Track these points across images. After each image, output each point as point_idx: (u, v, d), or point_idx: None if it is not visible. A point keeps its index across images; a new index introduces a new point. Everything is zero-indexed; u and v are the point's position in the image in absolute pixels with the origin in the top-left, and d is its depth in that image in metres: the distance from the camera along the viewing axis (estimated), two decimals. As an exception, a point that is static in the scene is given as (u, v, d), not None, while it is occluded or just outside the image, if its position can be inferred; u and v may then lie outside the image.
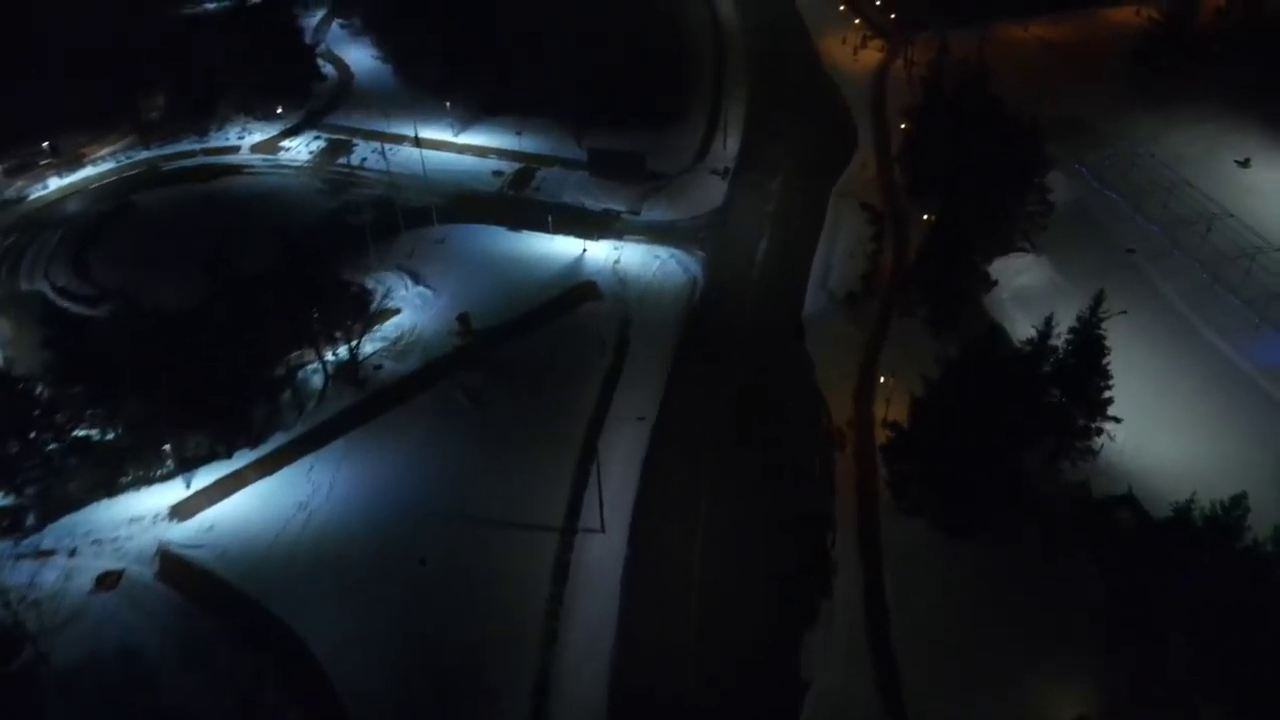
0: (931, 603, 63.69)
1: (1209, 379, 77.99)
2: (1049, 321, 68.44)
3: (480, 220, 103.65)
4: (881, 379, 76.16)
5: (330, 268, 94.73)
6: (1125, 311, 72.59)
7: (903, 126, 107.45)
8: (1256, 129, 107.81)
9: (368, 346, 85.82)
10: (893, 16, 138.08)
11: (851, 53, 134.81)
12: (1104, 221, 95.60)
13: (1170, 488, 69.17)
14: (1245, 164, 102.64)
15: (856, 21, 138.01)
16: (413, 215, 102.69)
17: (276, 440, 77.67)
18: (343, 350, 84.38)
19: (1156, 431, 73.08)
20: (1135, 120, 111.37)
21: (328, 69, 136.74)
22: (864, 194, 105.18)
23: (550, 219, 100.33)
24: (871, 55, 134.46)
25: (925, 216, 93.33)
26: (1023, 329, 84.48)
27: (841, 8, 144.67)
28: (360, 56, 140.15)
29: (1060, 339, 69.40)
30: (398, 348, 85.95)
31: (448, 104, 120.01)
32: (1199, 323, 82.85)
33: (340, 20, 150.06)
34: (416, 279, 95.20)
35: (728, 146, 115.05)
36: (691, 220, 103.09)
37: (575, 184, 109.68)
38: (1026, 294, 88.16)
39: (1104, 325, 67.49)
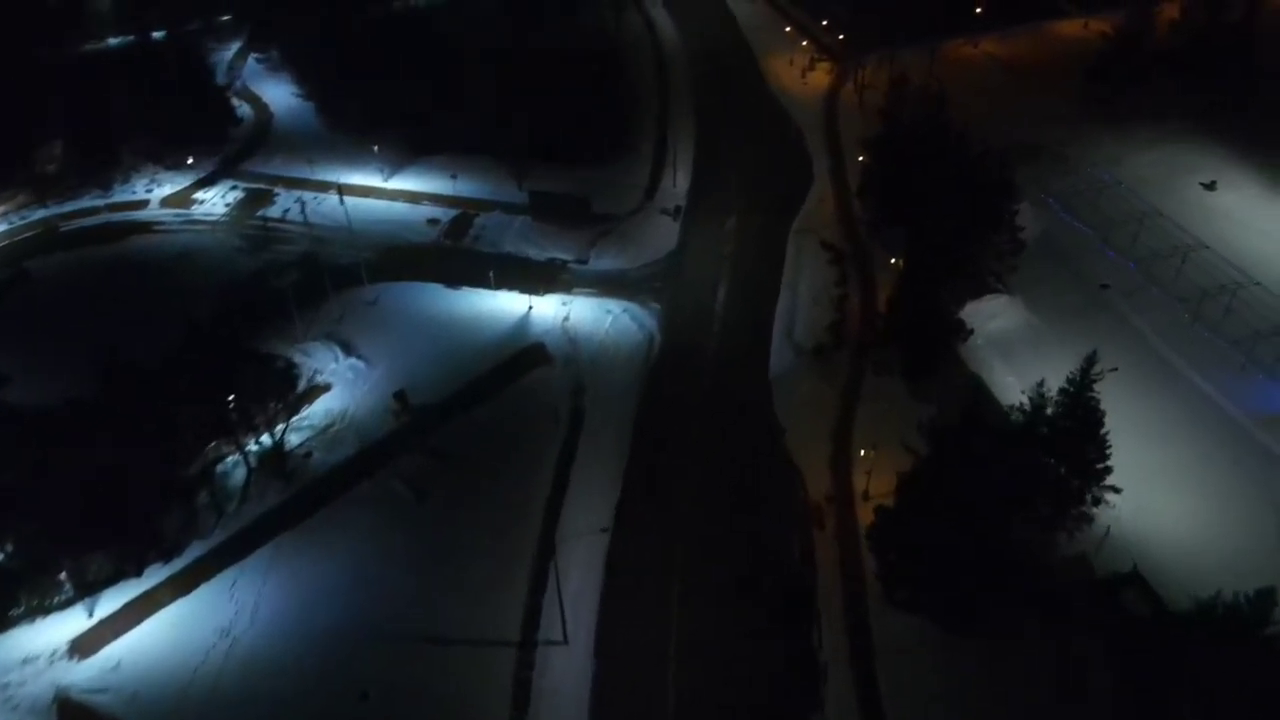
0: (931, 706, 58.06)
1: (1199, 428, 73.77)
2: (1040, 389, 63.41)
3: (416, 276, 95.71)
4: (862, 452, 70.33)
5: (250, 341, 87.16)
6: (1115, 369, 67.84)
7: (860, 159, 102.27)
8: (1217, 148, 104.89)
9: (295, 434, 77.58)
10: (840, 38, 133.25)
11: (800, 75, 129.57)
12: (1075, 256, 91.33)
13: (1174, 557, 65.04)
14: (1211, 186, 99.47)
15: (804, 44, 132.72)
16: (341, 274, 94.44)
17: (193, 552, 69.20)
18: (267, 438, 76.05)
19: (1151, 490, 68.46)
20: (1096, 142, 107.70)
21: (244, 109, 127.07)
22: (824, 231, 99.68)
23: (492, 274, 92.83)
24: (820, 77, 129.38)
25: (893, 260, 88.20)
26: (1002, 379, 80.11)
27: (788, 29, 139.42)
28: (279, 94, 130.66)
29: (1048, 397, 64.51)
30: (329, 433, 77.82)
31: (375, 148, 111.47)
32: (1183, 365, 78.73)
33: (256, 54, 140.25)
34: (348, 349, 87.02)
35: (677, 182, 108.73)
36: (644, 268, 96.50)
37: (517, 230, 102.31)
38: (1002, 339, 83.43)
39: (1097, 387, 62.60)
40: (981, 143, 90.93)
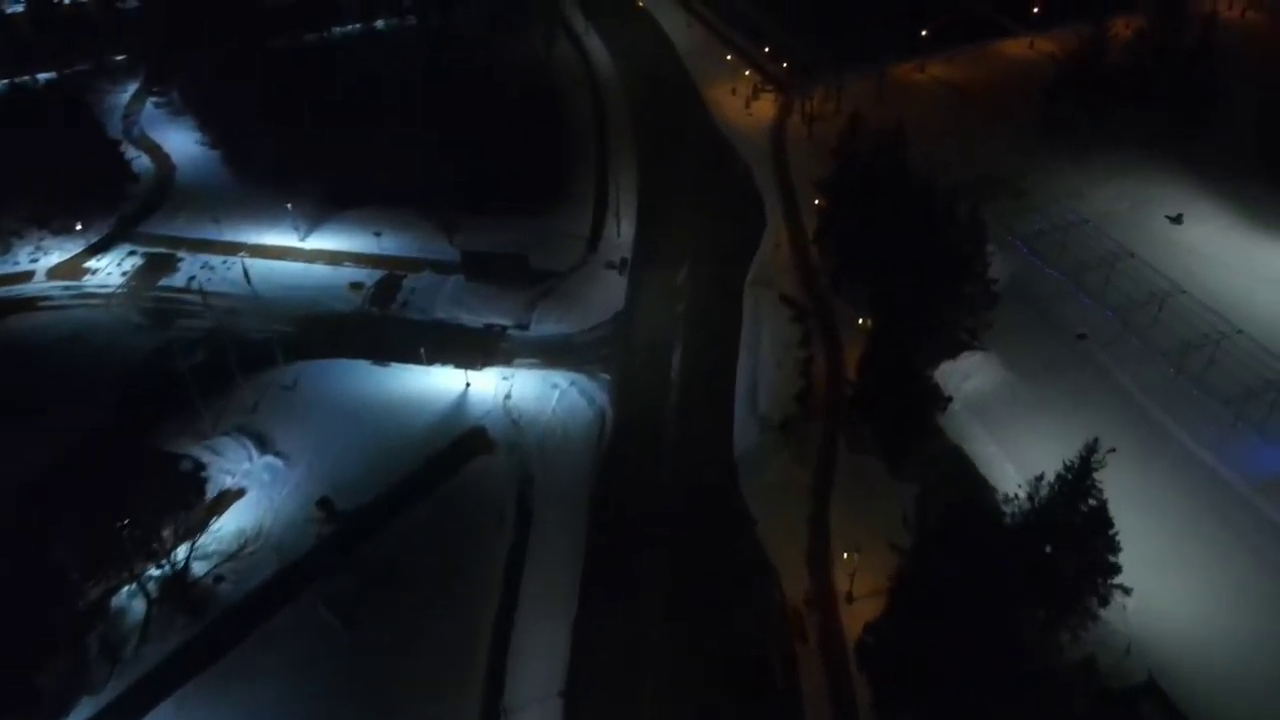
0: None
1: (1197, 497, 68.87)
2: (1038, 484, 57.47)
3: (339, 352, 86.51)
4: (845, 554, 63.62)
5: (152, 437, 77.51)
6: (1114, 450, 62.28)
7: (816, 202, 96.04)
8: (1180, 177, 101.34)
9: (201, 561, 67.94)
10: (785, 65, 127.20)
11: (744, 105, 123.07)
12: (1048, 303, 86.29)
13: (1187, 657, 59.77)
14: (1178, 220, 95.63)
15: (747, 72, 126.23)
16: (255, 352, 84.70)
17: (82, 712, 59.44)
18: (170, 563, 66.45)
19: (1151, 573, 62.99)
20: (1056, 172, 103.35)
21: (142, 161, 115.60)
22: (782, 282, 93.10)
23: (423, 350, 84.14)
24: (765, 107, 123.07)
25: (860, 320, 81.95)
26: (984, 449, 74.29)
27: (729, 56, 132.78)
28: (182, 142, 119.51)
29: (1043, 485, 58.74)
30: (243, 554, 68.39)
31: (289, 204, 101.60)
32: (1172, 426, 73.95)
33: (155, 97, 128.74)
34: (263, 444, 77.58)
35: (621, 230, 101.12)
36: (591, 331, 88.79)
37: (450, 293, 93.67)
38: (980, 402, 77.69)
39: (1100, 479, 56.86)
40: (942, 179, 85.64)
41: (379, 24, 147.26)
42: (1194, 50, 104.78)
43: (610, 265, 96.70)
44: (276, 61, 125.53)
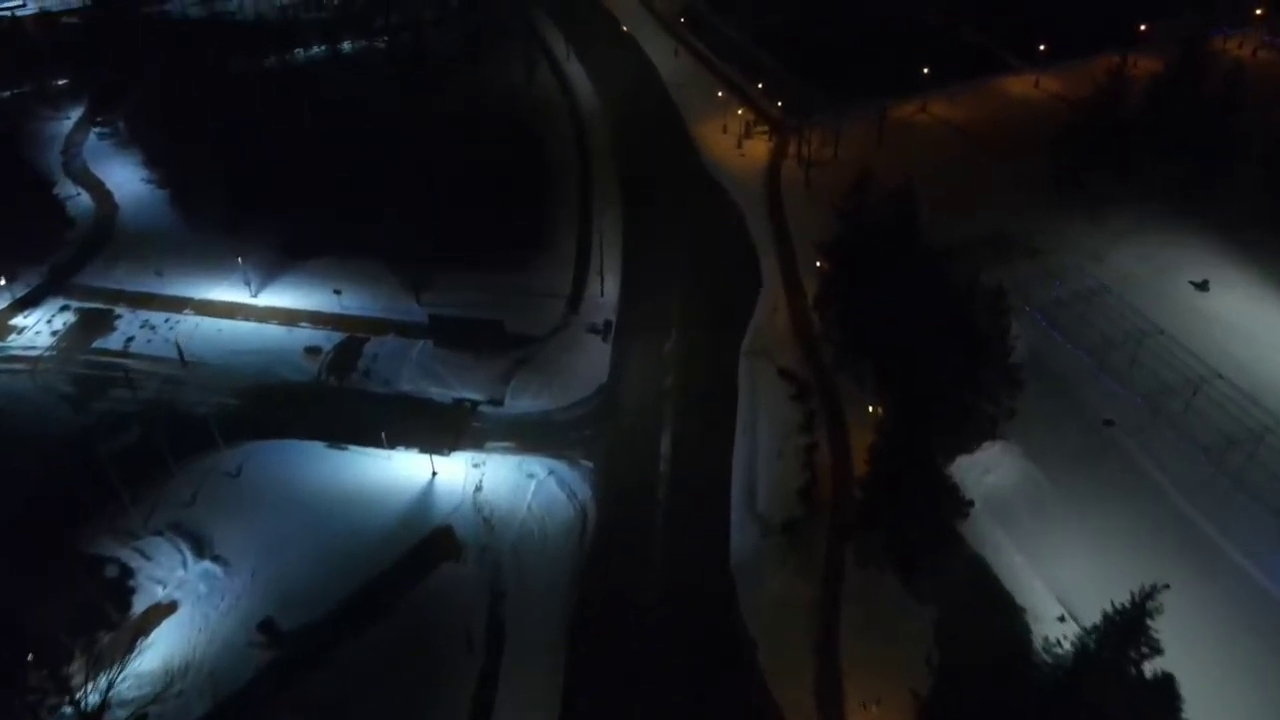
0: None
1: (1249, 616, 61.97)
2: (1086, 636, 50.17)
3: (290, 431, 77.80)
4: (863, 706, 55.98)
5: (71, 536, 68.57)
6: (1168, 586, 55.12)
7: (819, 265, 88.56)
8: (1203, 238, 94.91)
9: (125, 684, 59.18)
10: (779, 104, 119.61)
11: (735, 144, 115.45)
12: (1070, 383, 79.30)
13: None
14: (1203, 286, 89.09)
15: (740, 111, 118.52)
16: (196, 431, 75.72)
17: None
18: (87, 693, 57.59)
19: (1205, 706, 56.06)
20: (1072, 230, 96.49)
21: (82, 198, 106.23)
22: (780, 352, 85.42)
23: (384, 434, 75.63)
24: (758, 147, 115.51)
25: (870, 407, 74.51)
26: (1009, 559, 66.85)
27: (720, 93, 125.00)
28: (127, 178, 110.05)
29: (1087, 628, 51.59)
30: (172, 691, 59.55)
31: (240, 259, 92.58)
32: (1214, 532, 66.96)
33: (99, 127, 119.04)
34: (200, 546, 68.70)
35: (605, 288, 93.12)
36: (572, 408, 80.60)
37: (417, 361, 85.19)
38: (1002, 501, 70.30)
39: (1158, 632, 49.64)
40: (950, 237, 78.77)
41: (345, 46, 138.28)
42: (1221, 98, 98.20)
43: (593, 329, 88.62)
44: (234, 89, 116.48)
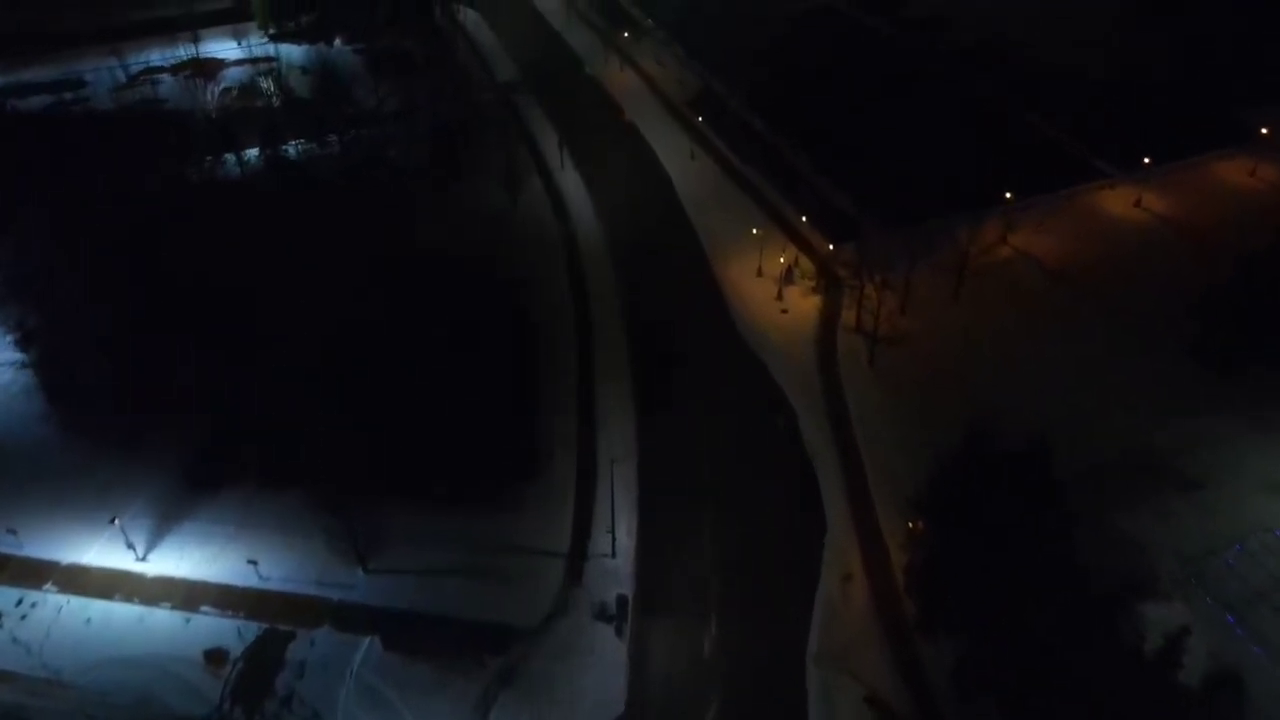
0: None
1: None
2: None
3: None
4: None
5: None
6: None
7: (911, 525, 65.15)
8: None
9: None
10: (824, 233, 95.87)
11: (775, 295, 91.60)
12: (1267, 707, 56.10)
13: None
14: None
15: (782, 255, 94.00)
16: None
17: None
18: None
19: None
20: (1237, 445, 72.91)
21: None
22: (862, 655, 61.52)
23: None
24: (804, 300, 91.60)
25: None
26: None
27: (750, 215, 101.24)
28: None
29: None
30: None
31: (114, 519, 68.02)
32: None
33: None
34: None
35: (617, 543, 69.10)
36: (576, 772, 56.97)
37: (361, 675, 61.05)
38: None
39: None
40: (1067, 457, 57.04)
41: (289, 149, 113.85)
42: None
43: (603, 616, 64.60)
44: (138, 218, 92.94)
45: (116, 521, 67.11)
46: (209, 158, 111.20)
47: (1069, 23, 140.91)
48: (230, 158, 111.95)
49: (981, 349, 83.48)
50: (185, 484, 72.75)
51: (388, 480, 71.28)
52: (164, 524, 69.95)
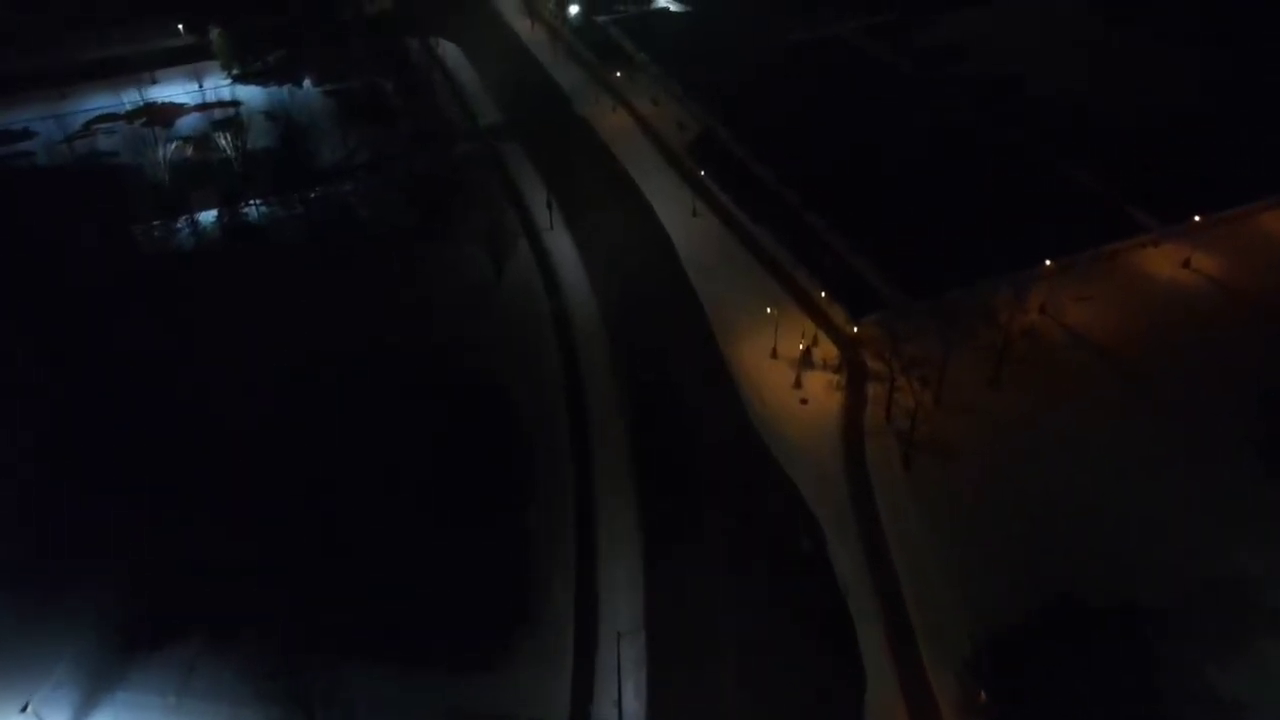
0: None
1: None
2: None
3: None
4: None
5: None
6: None
7: (977, 696, 55.36)
8: None
9: None
10: (854, 331, 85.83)
11: (792, 382, 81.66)
12: None
13: None
14: None
15: (803, 335, 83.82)
16: None
17: None
18: None
19: None
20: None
21: None
22: None
23: None
24: (824, 388, 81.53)
25: None
26: None
27: (760, 281, 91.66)
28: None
29: None
30: None
31: (27, 704, 57.50)
32: None
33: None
34: None
35: (624, 711, 59.05)
36: None
37: None
38: None
39: None
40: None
41: (251, 209, 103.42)
42: None
43: (609, 810, 54.82)
44: (67, 307, 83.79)
45: (29, 708, 56.62)
46: (157, 222, 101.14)
47: (1089, 50, 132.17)
48: (183, 221, 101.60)
49: (1029, 451, 73.82)
50: (116, 644, 62.37)
51: (348, 635, 61.38)
52: (91, 697, 59.56)
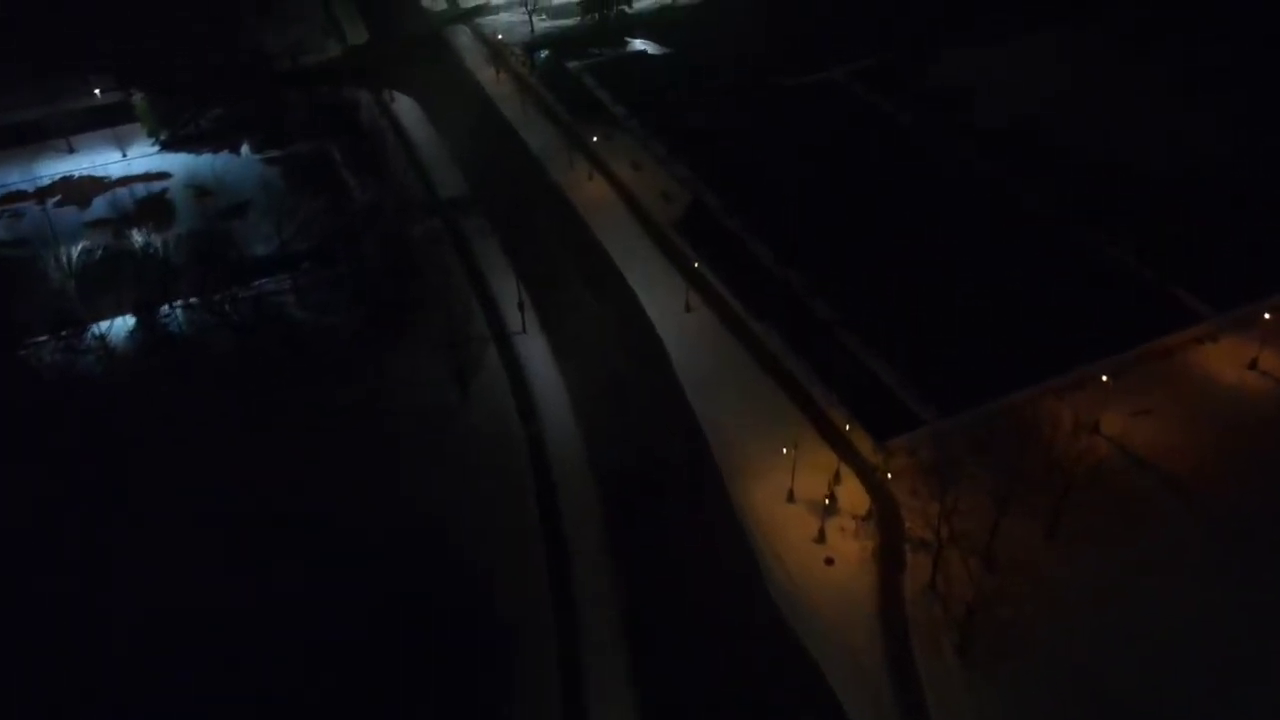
0: None
1: None
2: None
3: None
4: None
5: None
6: None
7: None
8: None
9: None
10: (881, 459, 73.14)
11: (814, 534, 69.07)
12: None
13: None
14: None
15: (829, 486, 71.02)
16: None
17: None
18: None
19: None
20: None
21: None
22: None
23: None
24: (851, 541, 68.87)
25: None
26: None
27: (773, 398, 79.09)
28: None
29: None
30: None
31: None
32: None
33: None
34: None
35: None
36: None
37: None
38: None
39: None
40: None
41: (173, 314, 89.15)
42: None
43: None
44: None
45: None
46: (64, 332, 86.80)
47: (1105, 95, 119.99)
48: (94, 331, 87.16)
49: (1105, 631, 61.64)
50: None
51: None
52: None
